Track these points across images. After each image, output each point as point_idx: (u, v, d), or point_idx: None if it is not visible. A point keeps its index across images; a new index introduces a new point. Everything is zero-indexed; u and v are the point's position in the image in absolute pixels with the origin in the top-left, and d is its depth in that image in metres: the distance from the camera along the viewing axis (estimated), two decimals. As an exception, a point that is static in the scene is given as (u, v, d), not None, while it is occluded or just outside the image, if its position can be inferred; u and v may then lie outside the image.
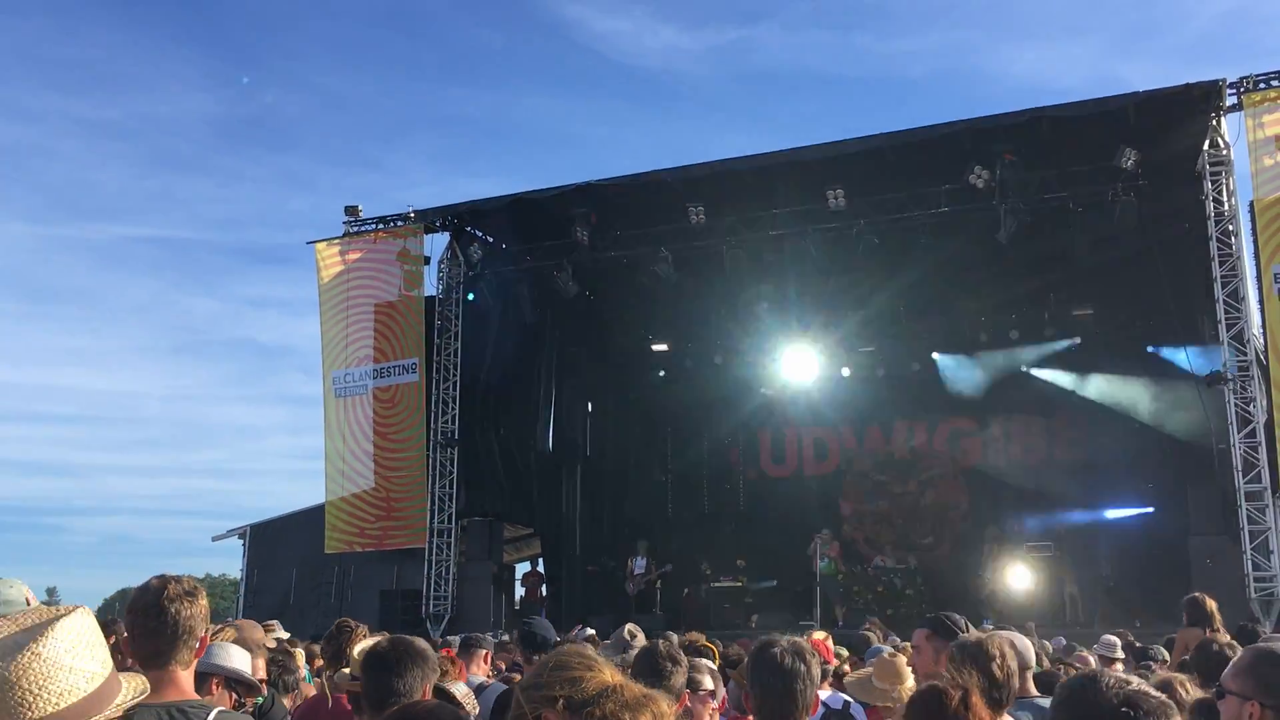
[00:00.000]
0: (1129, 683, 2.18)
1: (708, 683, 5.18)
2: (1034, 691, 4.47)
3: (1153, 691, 2.14)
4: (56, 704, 1.75)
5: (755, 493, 25.40)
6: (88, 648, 1.84)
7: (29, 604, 3.59)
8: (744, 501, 25.51)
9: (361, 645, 4.78)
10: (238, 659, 4.32)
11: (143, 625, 3.01)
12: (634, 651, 5.22)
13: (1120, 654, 8.39)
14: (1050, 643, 10.06)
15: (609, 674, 1.96)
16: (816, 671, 3.37)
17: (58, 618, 1.83)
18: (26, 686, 1.73)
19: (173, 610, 3.01)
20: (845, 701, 5.43)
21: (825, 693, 5.44)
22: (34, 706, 1.73)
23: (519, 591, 22.49)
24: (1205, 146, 16.07)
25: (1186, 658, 5.90)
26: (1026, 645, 4.73)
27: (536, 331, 21.52)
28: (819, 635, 6.23)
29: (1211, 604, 7.68)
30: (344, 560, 20.56)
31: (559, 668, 1.97)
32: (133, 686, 1.95)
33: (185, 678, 3.06)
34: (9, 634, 1.79)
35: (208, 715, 2.98)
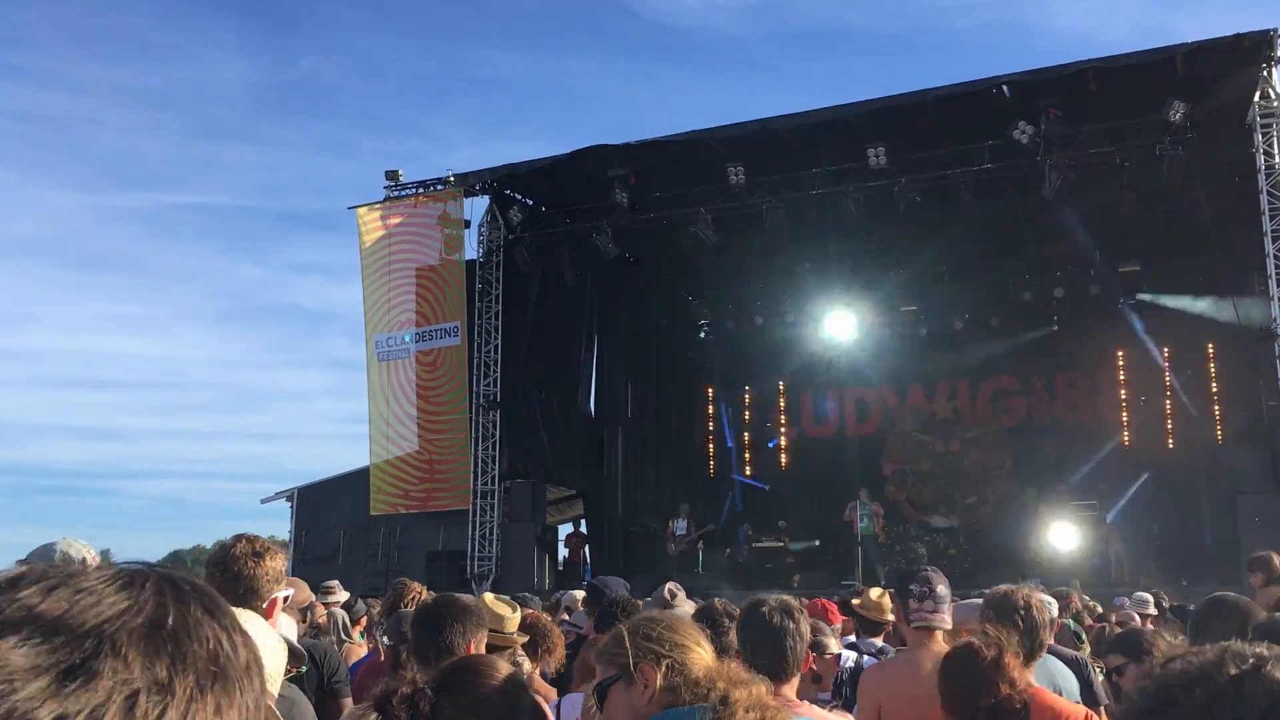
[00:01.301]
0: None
1: (833, 646, 5.23)
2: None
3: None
4: None
5: (797, 453, 25.38)
6: None
7: (88, 563, 3.69)
8: (786, 462, 25.51)
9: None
10: (284, 626, 4.38)
11: (210, 579, 3.09)
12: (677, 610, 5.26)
13: (1153, 610, 8.33)
14: (1096, 601, 10.01)
15: (710, 653, 1.97)
16: (806, 629, 3.37)
17: None
18: None
19: (235, 568, 3.11)
20: (857, 659, 5.44)
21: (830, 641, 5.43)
22: None
23: (562, 552, 22.68)
24: (1256, 98, 15.73)
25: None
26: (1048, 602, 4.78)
27: (577, 294, 21.54)
28: (875, 593, 6.22)
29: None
30: (390, 522, 20.82)
31: (672, 630, 1.97)
32: None
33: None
34: None
35: None
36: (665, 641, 1.97)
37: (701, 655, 1.98)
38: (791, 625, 3.30)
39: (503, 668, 2.27)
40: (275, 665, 1.99)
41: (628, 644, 1.98)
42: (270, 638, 2.52)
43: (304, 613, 6.29)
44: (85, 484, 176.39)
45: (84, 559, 3.72)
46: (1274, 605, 6.00)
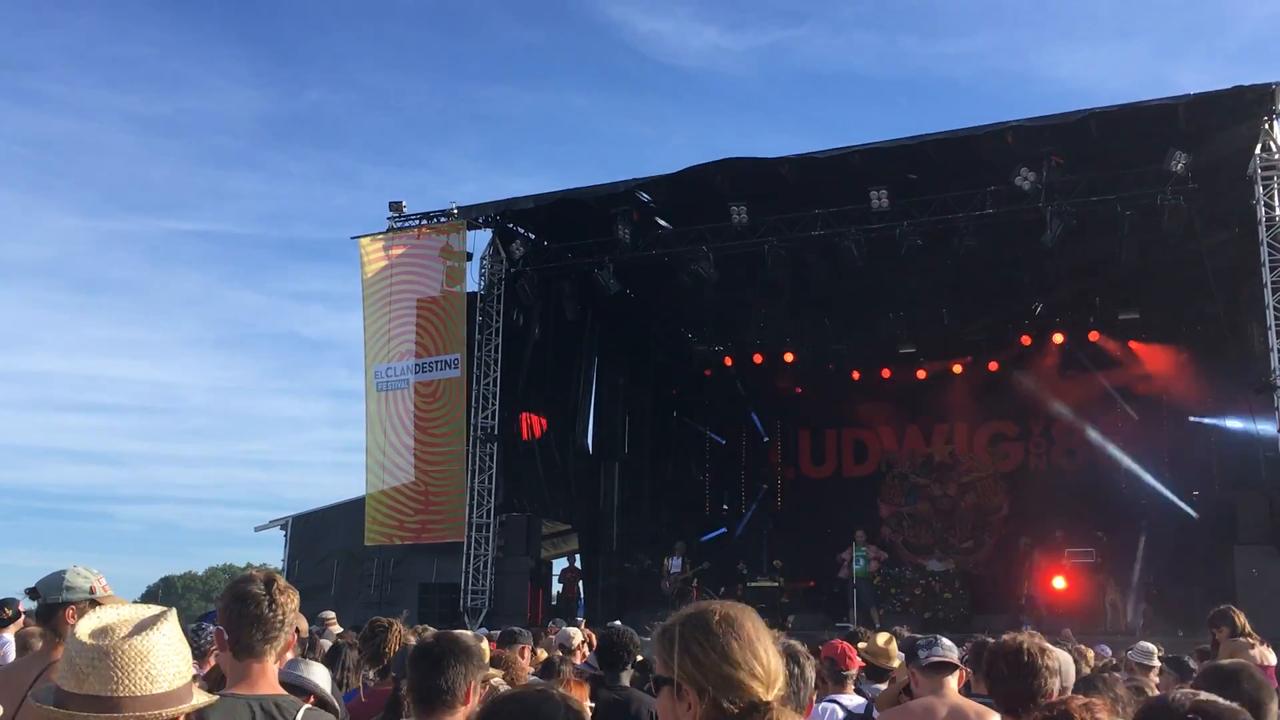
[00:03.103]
0: (1197, 694, 2.16)
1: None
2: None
3: (1221, 700, 2.12)
4: (171, 684, 1.96)
5: (794, 492, 25.33)
6: (184, 644, 2.05)
7: (95, 591, 3.69)
8: (782, 501, 25.45)
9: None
10: (319, 676, 4.18)
11: (250, 614, 2.99)
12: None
13: (1156, 662, 8.26)
14: (1094, 649, 9.95)
15: (769, 678, 1.88)
16: (811, 674, 3.37)
17: (164, 611, 2.03)
18: (154, 661, 1.93)
19: (280, 601, 3.03)
20: (866, 704, 5.41)
21: (847, 697, 5.42)
22: (155, 681, 1.93)
23: (556, 587, 22.56)
24: (1257, 150, 15.81)
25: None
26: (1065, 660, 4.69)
27: (577, 328, 21.56)
28: (882, 639, 6.19)
29: (1242, 616, 7.68)
30: (384, 553, 20.72)
31: (724, 654, 1.87)
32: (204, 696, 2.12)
33: (274, 671, 3.07)
34: (130, 615, 1.98)
35: (298, 712, 2.99)
36: (711, 670, 1.89)
37: (754, 687, 1.89)
38: (798, 670, 3.30)
39: (542, 700, 2.24)
40: None
41: (675, 655, 1.91)
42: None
43: (303, 645, 6.23)
44: (79, 508, 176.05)
45: (91, 587, 3.71)
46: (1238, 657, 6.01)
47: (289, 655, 3.35)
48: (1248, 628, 7.60)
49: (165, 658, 1.95)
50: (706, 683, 1.86)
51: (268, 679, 3.01)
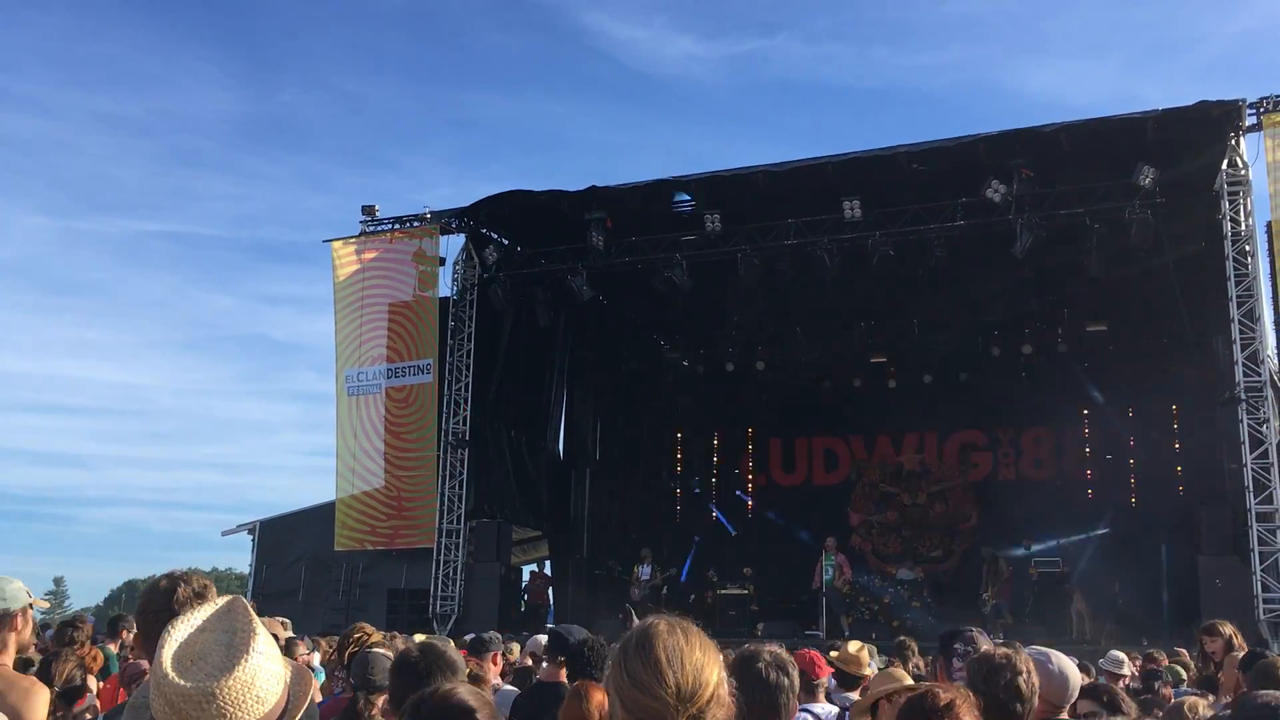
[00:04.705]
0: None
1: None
2: None
3: None
4: (275, 691, 1.80)
5: (764, 501, 25.40)
6: (273, 647, 1.87)
7: (29, 597, 3.61)
8: (753, 509, 25.51)
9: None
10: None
11: (155, 628, 2.98)
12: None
13: (1126, 671, 8.35)
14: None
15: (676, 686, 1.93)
16: (797, 683, 3.40)
17: (250, 621, 1.84)
18: (260, 683, 1.78)
19: (184, 603, 2.98)
20: (839, 712, 5.41)
21: (820, 706, 5.42)
22: (264, 701, 1.78)
23: (525, 594, 22.49)
24: (1224, 166, 16.04)
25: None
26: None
27: (549, 334, 21.55)
28: (854, 646, 6.20)
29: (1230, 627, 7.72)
30: (353, 558, 20.61)
31: (632, 679, 1.93)
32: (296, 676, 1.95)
33: None
34: (209, 625, 1.82)
35: None
36: (621, 686, 1.96)
37: (653, 706, 1.95)
38: (786, 681, 3.32)
39: (464, 703, 2.29)
40: None
41: (620, 685, 1.98)
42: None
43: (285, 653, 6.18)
44: (43, 510, 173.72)
45: (24, 594, 3.60)
46: (1243, 665, 6.04)
47: None
48: (1238, 638, 7.63)
49: (267, 670, 1.79)
50: (619, 697, 1.94)
51: None
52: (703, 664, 1.96)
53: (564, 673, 5.77)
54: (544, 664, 6.45)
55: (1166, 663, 9.51)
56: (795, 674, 3.40)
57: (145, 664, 3.03)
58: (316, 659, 8.37)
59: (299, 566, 21.47)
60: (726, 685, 2.00)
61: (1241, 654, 7.28)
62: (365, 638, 5.53)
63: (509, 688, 6.06)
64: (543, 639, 8.19)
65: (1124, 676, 7.97)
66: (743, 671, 3.40)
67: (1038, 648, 4.00)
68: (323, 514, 21.11)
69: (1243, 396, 15.63)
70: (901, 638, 11.01)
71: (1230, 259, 15.81)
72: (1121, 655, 8.56)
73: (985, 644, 4.06)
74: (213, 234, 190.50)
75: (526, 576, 22.59)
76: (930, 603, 20.19)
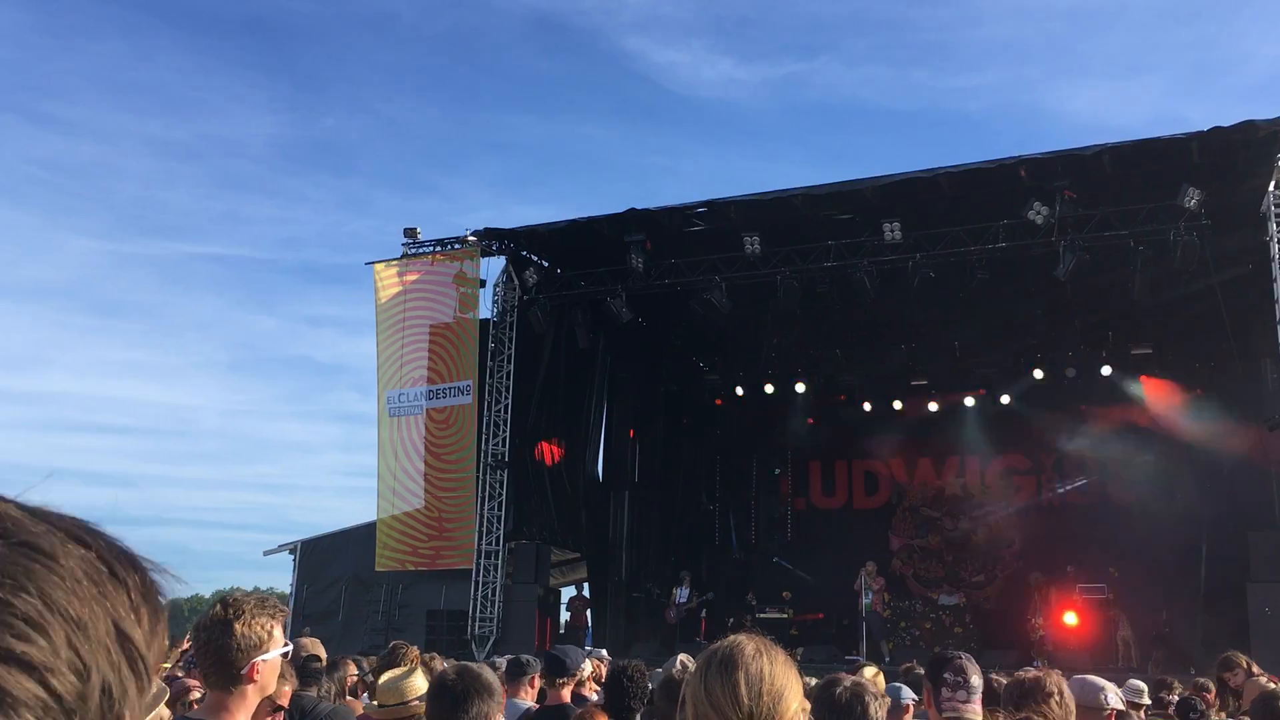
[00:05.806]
0: None
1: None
2: None
3: None
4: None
5: (804, 524, 25.25)
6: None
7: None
8: (792, 532, 25.37)
9: (388, 674, 4.84)
10: None
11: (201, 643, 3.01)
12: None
13: (1146, 699, 8.24)
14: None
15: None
16: (880, 714, 3.38)
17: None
18: None
19: (202, 642, 3.01)
20: None
21: None
22: None
23: (564, 615, 22.50)
24: (1270, 187, 15.81)
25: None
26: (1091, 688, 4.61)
27: (589, 356, 21.59)
28: (870, 672, 6.17)
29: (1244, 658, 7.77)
30: (392, 579, 20.70)
31: (707, 697, 1.99)
32: None
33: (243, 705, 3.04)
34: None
35: None
36: (697, 704, 2.03)
37: None
38: (859, 709, 3.32)
39: None
40: None
41: (685, 688, 2.06)
42: None
43: (328, 673, 6.20)
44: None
45: None
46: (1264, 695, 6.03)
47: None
48: (1255, 667, 7.62)
49: None
50: (693, 704, 1.98)
51: (230, 712, 2.95)
52: (782, 692, 1.98)
53: (567, 693, 5.82)
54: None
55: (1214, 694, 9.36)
56: (878, 706, 3.40)
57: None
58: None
59: (339, 586, 21.59)
60: (804, 716, 2.02)
61: (1261, 678, 7.24)
62: (404, 654, 5.57)
63: (518, 701, 6.00)
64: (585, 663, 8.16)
65: (1144, 705, 7.89)
66: (822, 699, 3.41)
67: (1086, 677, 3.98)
68: (363, 534, 21.23)
69: (1292, 421, 15.37)
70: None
71: (1277, 281, 15.57)
72: (1141, 684, 8.46)
73: (975, 673, 4.02)
74: (257, 256, 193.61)
75: (565, 598, 22.60)
76: (973, 628, 19.97)
